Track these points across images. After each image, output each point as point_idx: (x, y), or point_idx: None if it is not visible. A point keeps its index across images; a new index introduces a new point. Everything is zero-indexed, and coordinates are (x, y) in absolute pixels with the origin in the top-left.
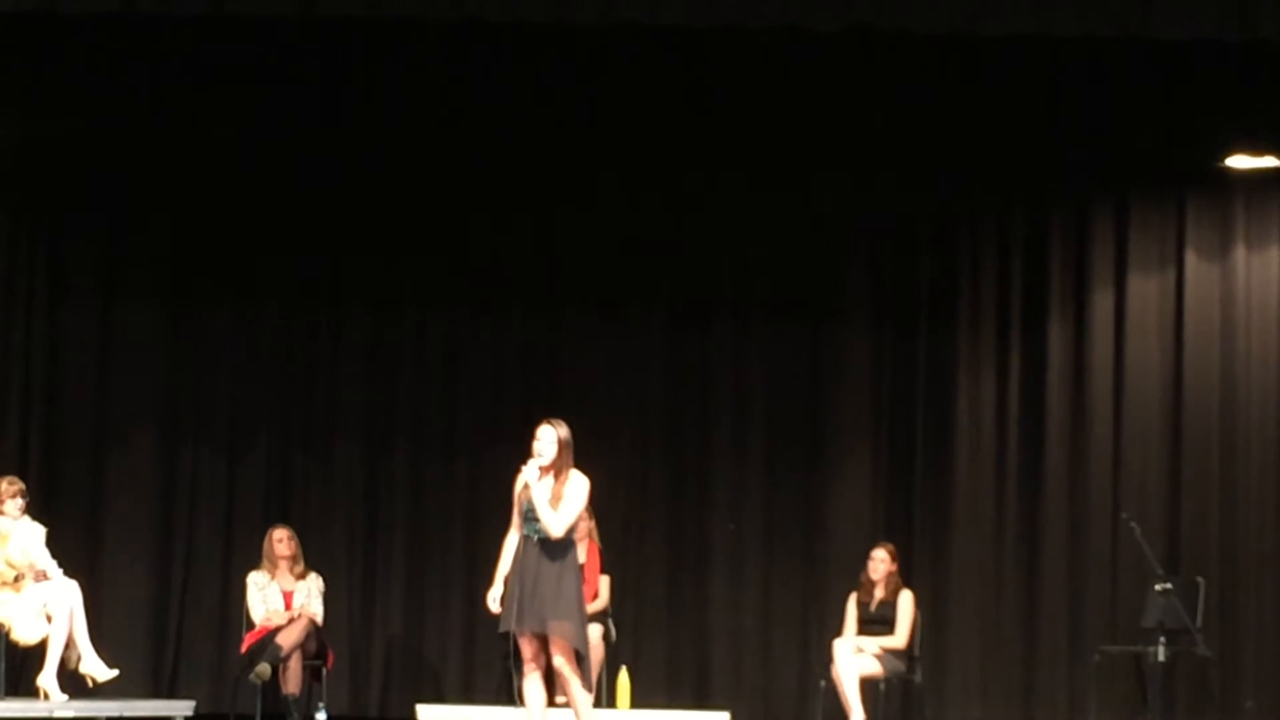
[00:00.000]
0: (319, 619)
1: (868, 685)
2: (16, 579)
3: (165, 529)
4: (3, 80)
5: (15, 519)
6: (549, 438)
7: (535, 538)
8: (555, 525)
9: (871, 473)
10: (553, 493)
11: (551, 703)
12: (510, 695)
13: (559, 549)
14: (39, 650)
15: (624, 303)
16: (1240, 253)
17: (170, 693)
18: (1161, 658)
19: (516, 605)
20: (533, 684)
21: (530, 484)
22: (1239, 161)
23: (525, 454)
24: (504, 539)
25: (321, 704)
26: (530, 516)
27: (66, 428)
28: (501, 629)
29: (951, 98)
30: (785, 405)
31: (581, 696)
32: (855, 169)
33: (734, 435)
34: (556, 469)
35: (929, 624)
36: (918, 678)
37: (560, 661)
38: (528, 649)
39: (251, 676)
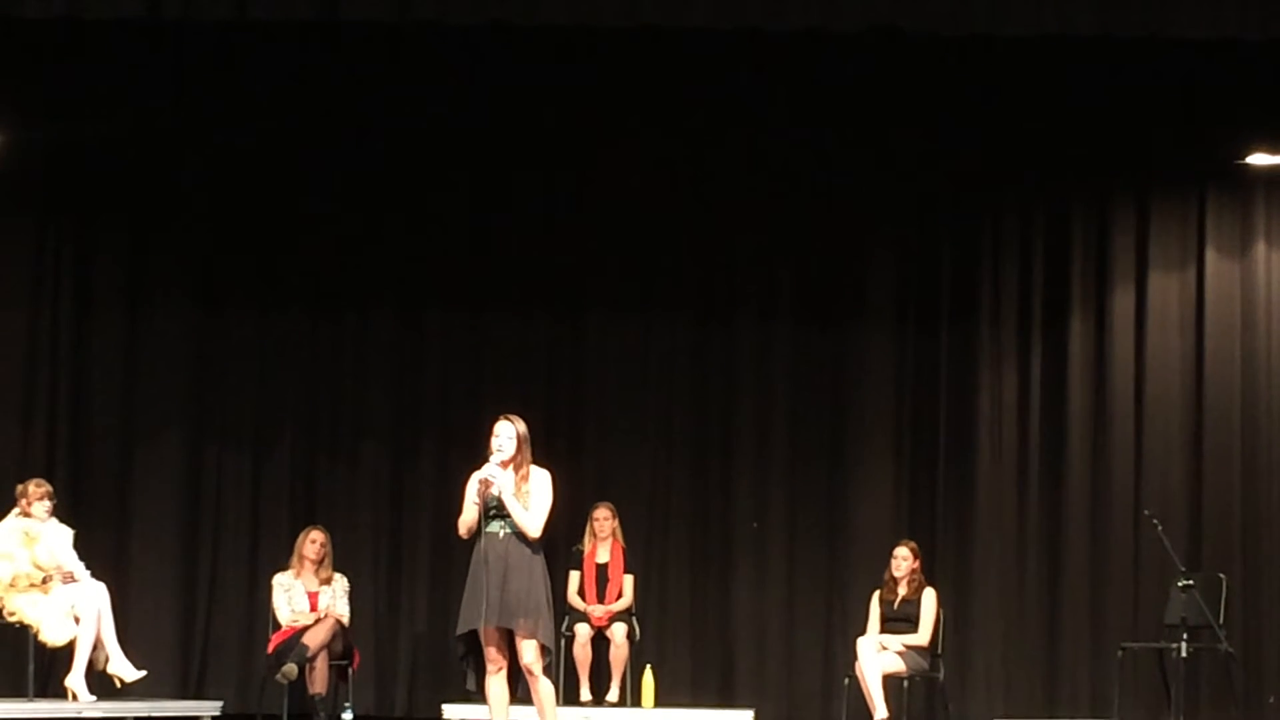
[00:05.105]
0: (345, 619)
1: (891, 682)
2: (44, 581)
3: (192, 531)
4: (29, 86)
5: (43, 521)
6: (507, 433)
7: (502, 533)
8: (532, 526)
9: (894, 470)
10: (516, 488)
11: (514, 699)
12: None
13: (528, 543)
14: (67, 651)
15: (648, 303)
16: (1261, 250)
17: (197, 693)
18: (1184, 654)
19: (485, 602)
20: (497, 682)
21: (494, 480)
22: (1259, 159)
23: (551, 455)
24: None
25: (347, 704)
26: (498, 514)
27: (94, 430)
28: (465, 628)
29: (973, 97)
30: (808, 403)
31: (548, 695)
32: (877, 169)
33: (757, 434)
34: (517, 464)
35: (952, 621)
36: (941, 675)
37: (529, 660)
38: (491, 646)
39: (278, 676)
